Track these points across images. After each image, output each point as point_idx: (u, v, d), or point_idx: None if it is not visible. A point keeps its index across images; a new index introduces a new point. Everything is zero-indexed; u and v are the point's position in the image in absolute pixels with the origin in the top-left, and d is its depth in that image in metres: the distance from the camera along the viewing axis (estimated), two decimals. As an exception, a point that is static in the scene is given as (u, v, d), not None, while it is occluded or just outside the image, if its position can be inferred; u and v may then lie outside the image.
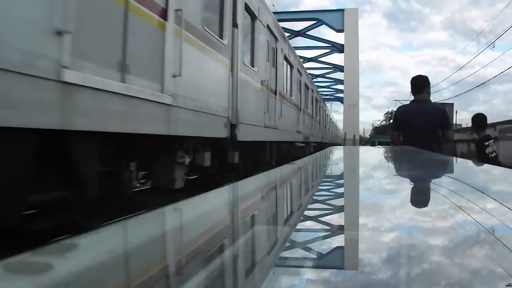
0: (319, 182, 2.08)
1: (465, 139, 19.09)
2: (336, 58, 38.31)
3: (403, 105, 4.44)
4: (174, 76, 3.73)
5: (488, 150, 4.57)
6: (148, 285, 0.56)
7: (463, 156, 16.25)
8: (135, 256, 0.68)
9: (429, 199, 1.36)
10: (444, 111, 4.02)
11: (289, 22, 20.95)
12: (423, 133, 3.74)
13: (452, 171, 2.69)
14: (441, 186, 1.70)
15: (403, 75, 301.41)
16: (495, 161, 4.49)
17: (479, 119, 4.84)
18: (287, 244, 0.81)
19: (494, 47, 22.44)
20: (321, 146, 17.67)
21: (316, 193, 1.61)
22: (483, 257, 0.67)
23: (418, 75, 4.01)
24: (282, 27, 9.70)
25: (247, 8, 6.45)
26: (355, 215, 1.08)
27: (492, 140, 4.67)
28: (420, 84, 3.91)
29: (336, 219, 1.06)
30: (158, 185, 4.34)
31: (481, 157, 4.46)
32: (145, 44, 3.34)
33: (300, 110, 12.41)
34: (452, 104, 22.08)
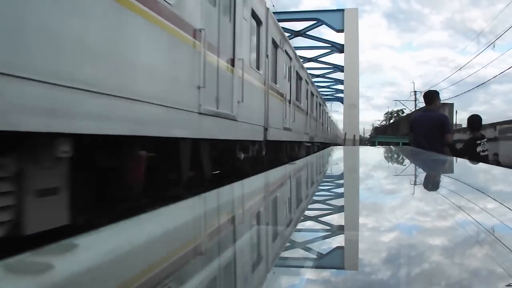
0: (319, 182, 2.08)
1: (465, 139, 19.09)
2: (336, 58, 38.29)
3: (417, 113, 5.91)
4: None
5: (479, 149, 4.86)
6: (148, 285, 0.56)
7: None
8: (135, 256, 0.68)
9: (429, 199, 1.36)
10: (443, 119, 4.89)
11: (289, 22, 20.99)
12: (426, 136, 4.67)
13: (452, 171, 2.69)
14: (441, 186, 1.70)
15: (403, 75, 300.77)
16: (485, 159, 4.80)
17: (474, 121, 5.20)
18: (288, 244, 0.81)
19: (494, 47, 22.44)
20: (324, 145, 18.12)
21: (316, 193, 1.61)
22: (483, 257, 0.67)
23: (429, 90, 5.18)
24: (282, 27, 9.70)
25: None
26: (355, 215, 1.08)
27: (485, 139, 4.91)
28: (429, 97, 4.95)
29: (336, 219, 1.06)
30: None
31: (472, 154, 4.77)
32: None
33: (317, 122, 17.13)
34: (452, 104, 22.07)
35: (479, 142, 4.88)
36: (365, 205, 1.22)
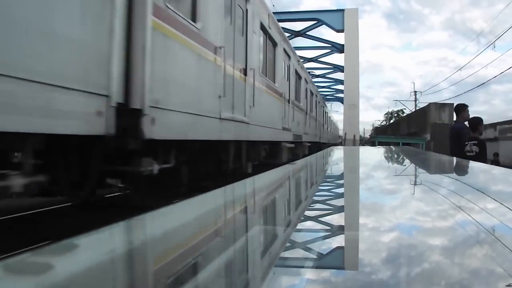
0: (320, 182, 2.08)
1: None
2: (336, 58, 38.25)
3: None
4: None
5: (466, 148, 5.19)
6: (148, 285, 0.56)
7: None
8: (135, 256, 0.68)
9: (429, 199, 1.36)
10: (456, 131, 5.59)
11: (289, 23, 20.97)
12: (450, 144, 5.66)
13: (452, 171, 2.69)
14: (441, 186, 1.70)
15: (403, 75, 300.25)
16: (470, 160, 4.90)
17: (470, 122, 5.54)
18: (288, 244, 0.81)
19: (494, 47, 22.39)
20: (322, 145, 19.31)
21: (317, 193, 1.61)
22: (483, 257, 0.67)
23: (456, 104, 5.91)
24: (282, 27, 9.73)
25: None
26: (355, 215, 1.08)
27: (473, 142, 5.19)
28: (455, 111, 5.87)
29: (336, 219, 1.06)
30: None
31: (460, 152, 5.15)
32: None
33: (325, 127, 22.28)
34: (452, 104, 21.87)
35: (467, 143, 5.15)
36: (365, 205, 1.22)
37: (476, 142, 5.14)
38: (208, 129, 4.00)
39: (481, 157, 4.92)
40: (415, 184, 1.85)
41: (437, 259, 0.64)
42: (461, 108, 5.64)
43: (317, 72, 28.39)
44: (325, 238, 0.83)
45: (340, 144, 27.00)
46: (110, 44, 2.46)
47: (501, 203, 1.15)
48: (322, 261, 0.66)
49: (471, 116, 5.52)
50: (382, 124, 57.12)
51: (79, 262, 0.60)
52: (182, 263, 0.67)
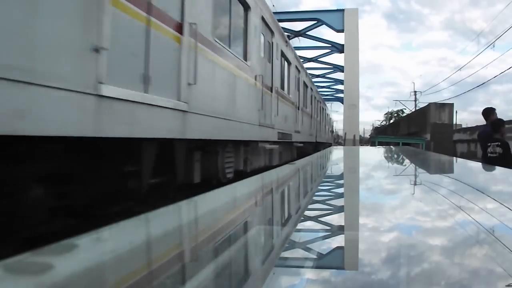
0: (319, 182, 2.08)
1: (465, 139, 19.08)
2: (336, 58, 38.27)
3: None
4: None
5: (489, 150, 5.07)
6: (148, 285, 0.56)
7: (462, 156, 16.26)
8: (135, 256, 0.68)
9: (429, 199, 1.36)
10: (483, 132, 5.70)
11: (289, 22, 20.97)
12: (480, 148, 5.62)
13: (452, 171, 2.69)
14: (441, 186, 1.70)
15: (403, 75, 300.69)
16: (492, 161, 4.85)
17: (493, 123, 5.51)
18: (288, 244, 0.81)
19: (494, 47, 22.38)
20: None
21: (316, 193, 1.61)
22: (483, 257, 0.67)
23: (485, 108, 5.85)
24: (282, 27, 9.83)
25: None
26: (355, 215, 1.08)
27: (496, 143, 5.06)
28: (484, 115, 5.74)
29: (336, 219, 1.06)
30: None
31: (483, 155, 5.12)
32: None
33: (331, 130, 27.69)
34: (452, 104, 21.82)
35: (489, 144, 5.04)
36: (365, 205, 1.22)
37: (499, 143, 5.02)
38: (249, 131, 5.85)
39: (504, 158, 4.78)
40: (415, 184, 1.85)
41: (437, 259, 0.64)
42: (490, 112, 5.67)
43: (317, 72, 28.38)
44: (325, 238, 0.83)
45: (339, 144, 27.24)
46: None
47: (501, 203, 1.15)
48: (322, 261, 0.66)
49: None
50: (382, 124, 57.08)
51: (79, 262, 0.60)
52: (182, 263, 0.67)
